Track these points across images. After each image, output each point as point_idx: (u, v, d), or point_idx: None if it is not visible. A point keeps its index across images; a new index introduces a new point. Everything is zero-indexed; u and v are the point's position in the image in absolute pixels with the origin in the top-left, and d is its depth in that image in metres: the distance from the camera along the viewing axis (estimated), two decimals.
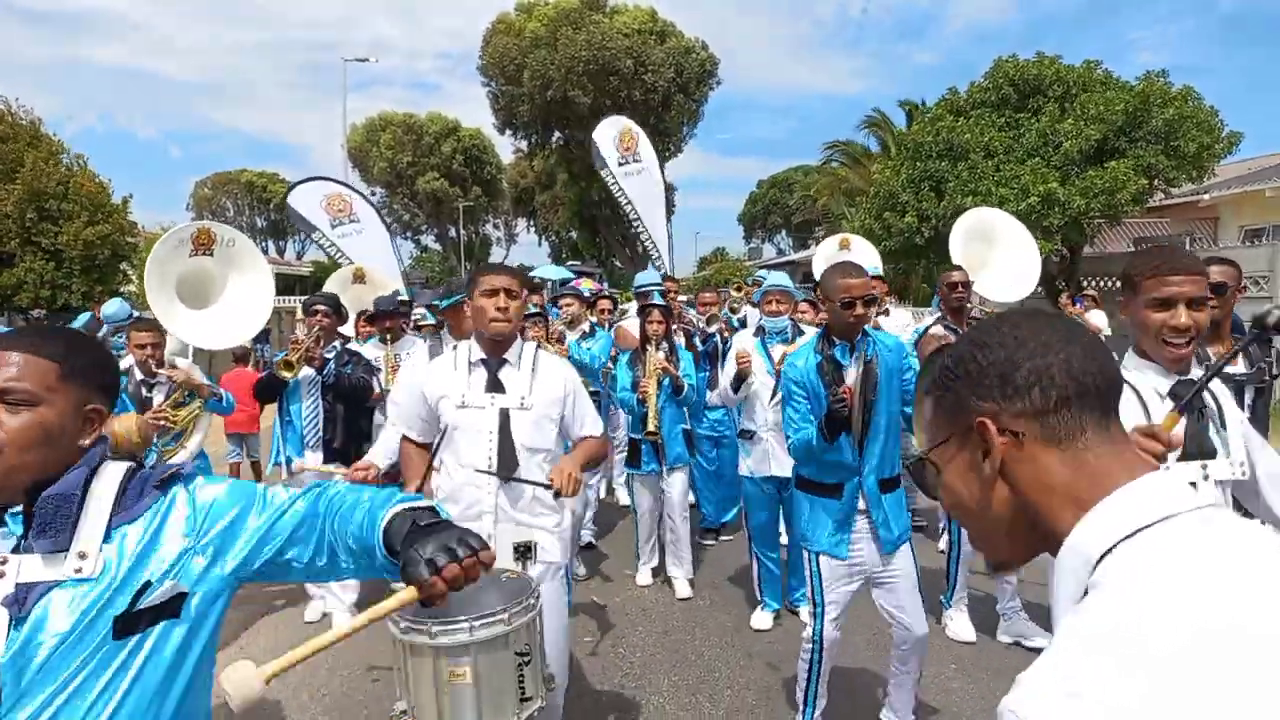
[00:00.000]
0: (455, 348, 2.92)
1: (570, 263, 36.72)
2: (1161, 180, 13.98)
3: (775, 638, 4.30)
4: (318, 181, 9.52)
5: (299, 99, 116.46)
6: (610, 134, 10.45)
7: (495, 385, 2.74)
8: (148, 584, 1.30)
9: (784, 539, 4.79)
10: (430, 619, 2.01)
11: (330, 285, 7.53)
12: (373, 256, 8.62)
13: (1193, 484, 1.88)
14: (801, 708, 3.18)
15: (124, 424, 3.22)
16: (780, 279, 4.79)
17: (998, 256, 6.39)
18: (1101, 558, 0.78)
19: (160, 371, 4.32)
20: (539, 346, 3.01)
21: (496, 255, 54.09)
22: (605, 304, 7.13)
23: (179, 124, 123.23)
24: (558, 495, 2.63)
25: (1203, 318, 1.93)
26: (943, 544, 5.27)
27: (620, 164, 10.35)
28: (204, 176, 56.71)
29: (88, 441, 1.34)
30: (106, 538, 1.29)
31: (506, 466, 2.68)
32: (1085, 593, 0.78)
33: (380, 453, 3.48)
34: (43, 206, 14.98)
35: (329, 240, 8.99)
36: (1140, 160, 13.29)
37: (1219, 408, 2.04)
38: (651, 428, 4.68)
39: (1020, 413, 0.85)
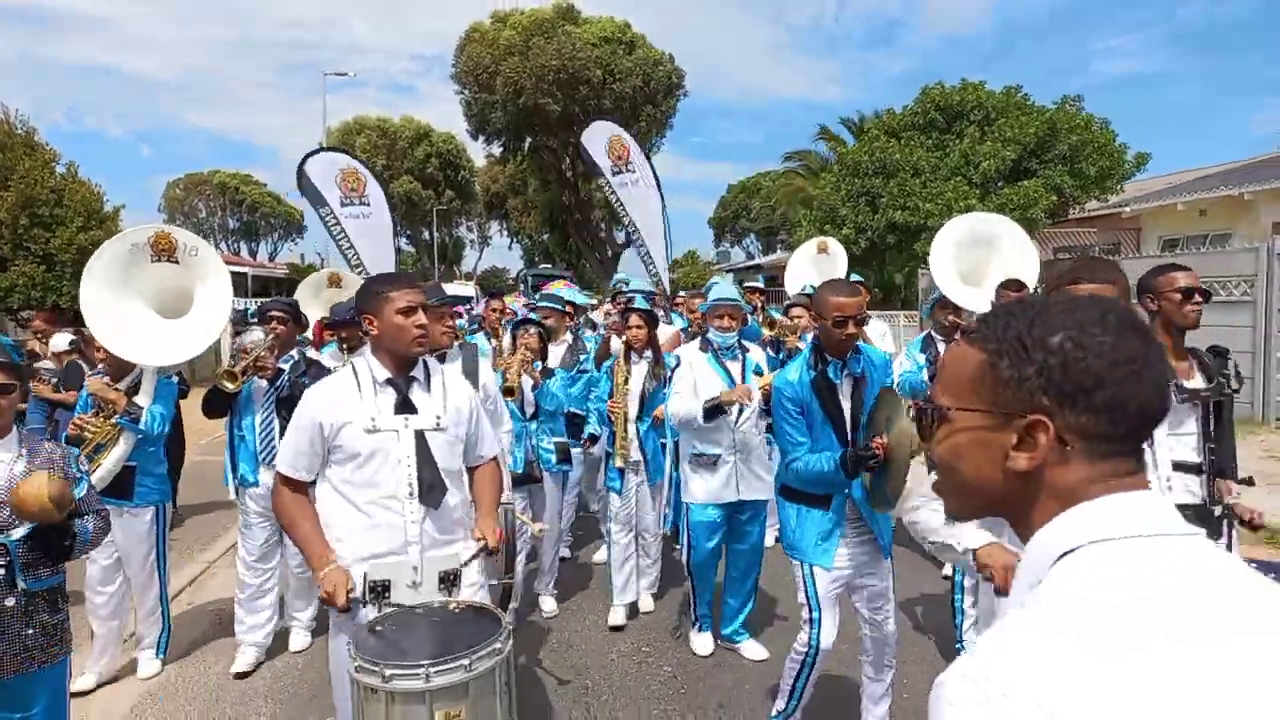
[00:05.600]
0: (351, 366, 2.62)
1: (542, 265, 37.84)
2: (1070, 198, 15.50)
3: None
4: (335, 153, 9.17)
5: (271, 99, 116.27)
6: (599, 141, 9.65)
7: (406, 406, 2.54)
8: None
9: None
10: (410, 663, 1.89)
11: (304, 288, 7.14)
12: (373, 246, 8.40)
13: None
14: (786, 698, 3.19)
15: (32, 485, 2.35)
16: (726, 290, 4.19)
17: (998, 263, 5.58)
18: (1063, 555, 0.76)
19: (90, 378, 3.99)
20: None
21: (470, 258, 55.05)
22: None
23: (148, 123, 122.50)
24: (490, 553, 2.57)
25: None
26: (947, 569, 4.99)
27: (615, 173, 9.61)
28: (175, 177, 57.05)
29: None
30: None
31: (431, 492, 2.52)
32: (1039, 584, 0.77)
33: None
34: (36, 213, 15.59)
35: (335, 218, 8.53)
36: (1050, 180, 14.78)
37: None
38: (619, 463, 4.52)
39: (1081, 429, 0.80)
